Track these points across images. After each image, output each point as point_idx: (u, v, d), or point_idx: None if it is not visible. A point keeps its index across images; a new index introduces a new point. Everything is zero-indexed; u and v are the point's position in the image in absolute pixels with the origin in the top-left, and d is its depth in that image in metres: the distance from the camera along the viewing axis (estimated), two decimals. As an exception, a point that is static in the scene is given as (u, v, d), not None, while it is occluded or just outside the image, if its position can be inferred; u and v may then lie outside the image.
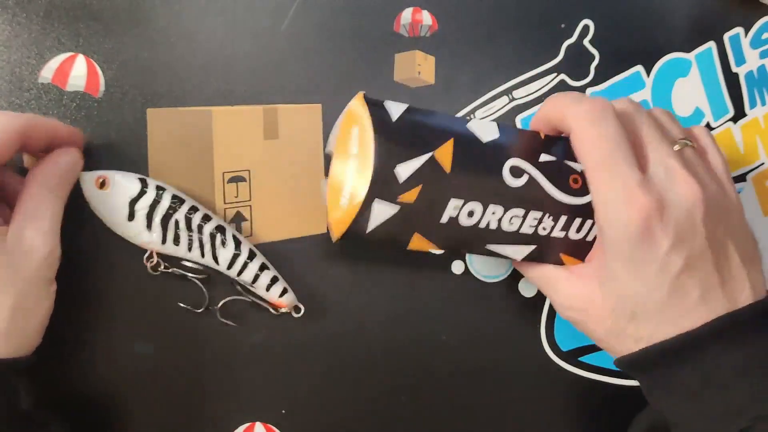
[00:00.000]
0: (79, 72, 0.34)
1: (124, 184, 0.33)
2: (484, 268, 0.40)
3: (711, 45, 0.43)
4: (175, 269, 0.35)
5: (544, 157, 0.31)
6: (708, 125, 0.43)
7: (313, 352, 0.38)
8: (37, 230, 0.30)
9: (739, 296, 0.30)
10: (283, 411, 0.38)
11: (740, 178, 0.44)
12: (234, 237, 0.35)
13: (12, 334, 0.29)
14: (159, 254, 0.34)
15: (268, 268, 0.35)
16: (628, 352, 0.31)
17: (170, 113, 0.36)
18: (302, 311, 0.37)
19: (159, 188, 0.33)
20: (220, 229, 0.34)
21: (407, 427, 0.40)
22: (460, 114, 0.40)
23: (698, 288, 0.30)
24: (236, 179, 0.37)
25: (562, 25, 0.41)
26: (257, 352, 0.37)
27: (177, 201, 0.33)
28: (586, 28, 0.42)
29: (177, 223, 0.33)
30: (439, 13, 0.39)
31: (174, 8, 0.36)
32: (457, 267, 0.40)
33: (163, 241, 0.34)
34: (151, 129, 0.35)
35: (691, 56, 0.43)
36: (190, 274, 0.35)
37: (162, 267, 0.35)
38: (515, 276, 0.41)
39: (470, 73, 0.40)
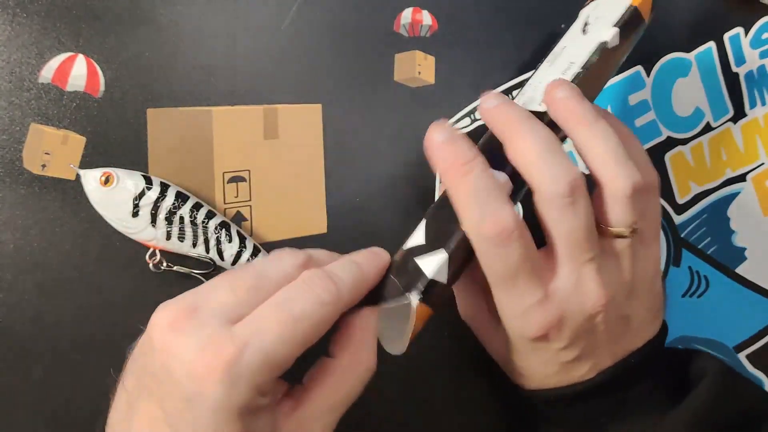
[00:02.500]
0: (79, 72, 0.34)
1: (128, 180, 0.33)
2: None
3: (711, 45, 0.43)
4: (178, 267, 0.35)
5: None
6: (708, 125, 0.43)
7: (312, 352, 0.38)
8: (323, 426, 0.26)
9: (632, 346, 0.32)
10: (283, 411, 0.38)
11: (740, 178, 0.44)
12: (238, 233, 0.35)
13: None
14: (162, 252, 0.34)
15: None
16: (521, 384, 0.33)
17: (170, 113, 0.36)
18: None
19: (163, 185, 0.34)
20: (224, 225, 0.34)
21: (407, 426, 0.40)
22: (460, 114, 0.40)
23: (589, 365, 0.31)
24: (236, 179, 0.37)
25: (563, 25, 0.41)
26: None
27: (181, 198, 0.34)
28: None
29: (182, 219, 0.34)
30: (439, 13, 0.39)
31: (175, 8, 0.36)
32: (457, 267, 0.40)
33: (168, 237, 0.34)
34: (151, 129, 0.35)
35: (691, 56, 0.43)
36: (194, 271, 0.35)
37: (164, 265, 0.35)
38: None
39: (470, 73, 0.40)
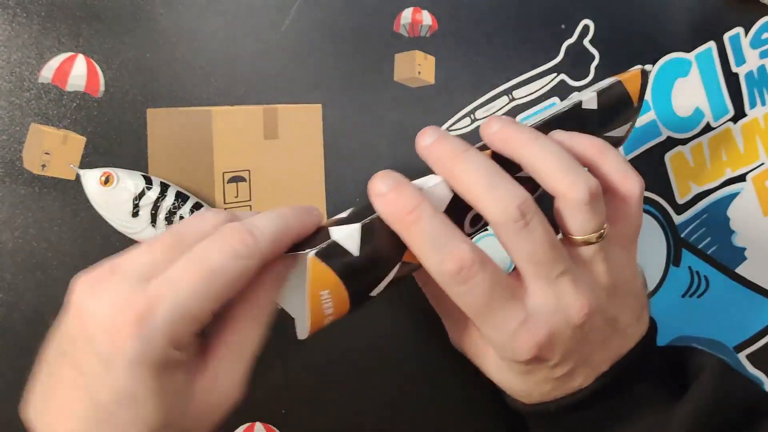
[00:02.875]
0: (79, 72, 0.35)
1: (128, 180, 0.33)
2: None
3: (711, 45, 0.43)
4: None
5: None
6: (708, 125, 0.43)
7: (313, 352, 0.38)
8: (233, 382, 0.26)
9: (623, 349, 0.32)
10: (283, 411, 0.38)
11: (740, 178, 0.44)
12: None
13: None
14: None
15: None
16: (515, 401, 0.33)
17: (170, 113, 0.36)
18: None
19: (163, 185, 0.34)
20: None
21: (408, 426, 0.40)
22: (460, 114, 0.40)
23: (584, 374, 0.31)
24: (236, 179, 0.37)
25: (562, 25, 0.41)
26: (257, 351, 0.37)
27: (181, 198, 0.34)
28: (586, 28, 0.42)
29: (182, 218, 0.34)
30: (439, 13, 0.39)
31: (174, 8, 0.36)
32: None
33: None
34: (151, 129, 0.35)
35: (691, 56, 0.43)
36: None
37: None
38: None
39: (470, 73, 0.40)
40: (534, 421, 0.34)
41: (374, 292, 0.28)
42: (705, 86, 0.43)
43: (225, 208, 0.36)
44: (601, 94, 0.32)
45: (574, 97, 0.33)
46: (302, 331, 0.29)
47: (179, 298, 0.23)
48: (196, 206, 0.34)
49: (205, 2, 0.36)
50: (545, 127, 0.31)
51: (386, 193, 0.27)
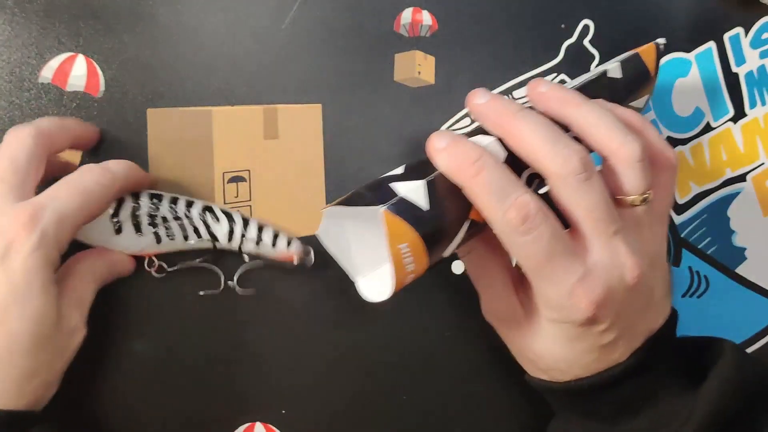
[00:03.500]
0: (79, 72, 0.35)
1: None
2: (484, 268, 0.40)
3: (711, 45, 0.43)
4: (181, 264, 0.35)
5: None
6: (708, 125, 0.43)
7: (313, 351, 0.38)
8: (81, 317, 0.32)
9: (655, 325, 0.32)
10: (283, 411, 0.38)
11: (740, 178, 0.44)
12: (223, 211, 0.35)
13: (38, 400, 0.31)
14: (159, 255, 0.34)
15: (266, 227, 0.35)
16: (547, 379, 0.33)
17: (170, 113, 0.36)
18: (312, 254, 0.36)
19: (133, 195, 0.33)
20: (207, 208, 0.34)
21: (408, 425, 0.40)
22: (460, 114, 0.40)
23: (624, 346, 0.31)
24: (236, 179, 0.37)
25: (562, 25, 0.41)
26: (257, 351, 0.37)
27: (156, 198, 0.33)
28: (586, 28, 0.42)
29: (164, 218, 0.33)
30: (439, 13, 0.39)
31: (174, 8, 0.36)
32: (457, 267, 0.40)
33: (158, 240, 0.34)
34: (151, 129, 0.35)
35: (691, 56, 0.43)
36: (197, 262, 0.35)
37: (167, 267, 0.35)
38: (515, 276, 0.41)
39: (470, 73, 0.40)
40: (563, 400, 0.33)
41: (447, 252, 0.28)
42: (705, 86, 0.43)
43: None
44: (624, 63, 0.34)
45: (598, 68, 0.34)
46: (382, 291, 0.29)
47: (60, 206, 0.29)
48: (173, 201, 0.34)
49: (205, 2, 0.36)
50: None
51: (446, 147, 0.28)
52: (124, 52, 0.35)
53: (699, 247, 0.44)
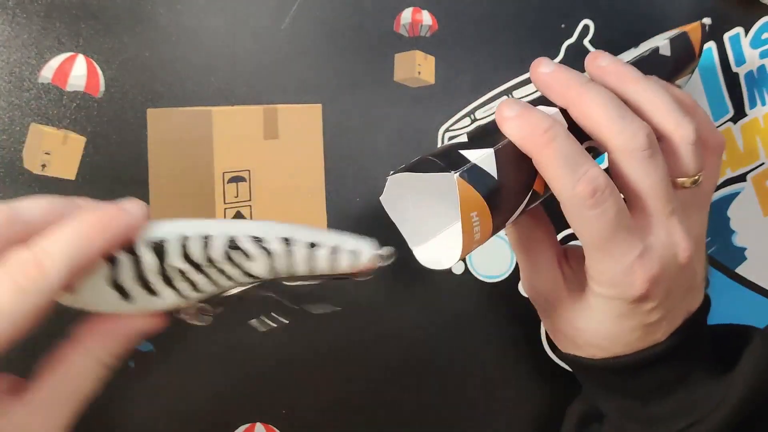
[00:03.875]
0: (79, 72, 0.35)
1: (89, 274, 0.24)
2: (484, 269, 0.40)
3: (711, 45, 0.43)
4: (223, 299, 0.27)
5: None
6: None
7: (313, 351, 0.38)
8: (51, 424, 0.24)
9: (693, 307, 0.32)
10: (283, 411, 0.38)
11: (740, 178, 0.44)
12: (255, 238, 0.25)
13: None
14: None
15: (316, 244, 0.26)
16: (583, 356, 0.32)
17: (170, 113, 0.36)
18: (393, 253, 0.28)
19: (127, 249, 0.24)
20: (231, 245, 0.25)
21: (408, 426, 0.40)
22: (460, 114, 0.40)
23: (666, 327, 0.31)
24: (236, 179, 0.37)
25: (562, 25, 0.41)
26: (257, 352, 0.37)
27: (159, 246, 0.24)
28: (586, 28, 0.42)
29: (181, 271, 0.25)
30: (439, 13, 0.39)
31: (174, 8, 0.36)
32: (457, 267, 0.40)
33: (181, 296, 0.26)
34: (151, 129, 0.35)
35: (691, 56, 0.43)
36: (240, 289, 0.27)
37: (211, 309, 0.27)
38: (515, 276, 0.41)
39: (470, 73, 0.40)
40: (597, 377, 0.33)
41: (508, 222, 0.28)
42: (705, 86, 0.43)
43: (225, 209, 0.36)
44: (673, 41, 0.34)
45: (648, 44, 0.34)
46: (449, 257, 0.28)
47: None
48: (183, 245, 0.25)
49: (204, 2, 0.36)
50: None
51: (517, 115, 0.27)
52: (124, 52, 0.35)
53: (699, 247, 0.44)
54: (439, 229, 0.29)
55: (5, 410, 0.23)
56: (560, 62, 0.41)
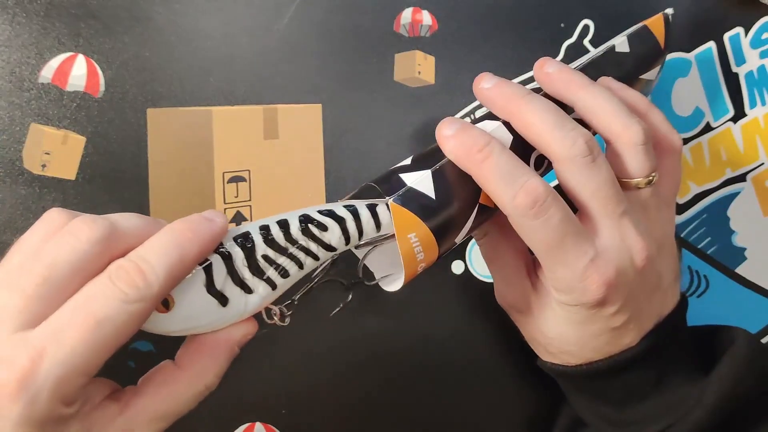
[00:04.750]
0: (79, 72, 0.35)
1: (186, 284, 0.24)
2: (483, 268, 0.40)
3: (711, 45, 0.43)
4: (301, 293, 0.29)
5: None
6: (708, 125, 0.43)
7: (313, 351, 0.38)
8: None
9: (664, 310, 0.32)
10: (283, 411, 0.38)
11: (740, 178, 0.44)
12: (322, 212, 0.27)
13: None
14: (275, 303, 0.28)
15: (374, 204, 0.28)
16: (558, 363, 0.33)
17: (170, 113, 0.36)
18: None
19: (219, 247, 0.25)
20: (304, 220, 0.27)
21: (408, 426, 0.40)
22: (460, 114, 0.40)
23: (635, 330, 0.31)
24: (236, 179, 0.37)
25: (562, 25, 0.41)
26: (258, 351, 0.37)
27: (244, 240, 0.26)
28: (586, 28, 0.42)
29: (266, 257, 0.26)
30: (439, 13, 0.39)
31: (174, 8, 0.36)
32: (457, 267, 0.40)
33: (273, 286, 0.26)
34: (151, 129, 0.35)
35: (691, 56, 0.43)
36: (316, 280, 0.29)
37: (287, 312, 0.28)
38: (515, 276, 0.41)
39: (470, 73, 0.40)
40: (574, 383, 0.34)
41: (458, 238, 0.29)
42: (705, 86, 0.43)
43: (225, 209, 0.36)
44: (631, 37, 0.34)
45: (606, 44, 0.35)
46: (397, 282, 0.29)
47: (65, 353, 0.21)
48: (265, 235, 0.26)
49: (204, 2, 0.36)
50: (584, 71, 0.32)
51: (456, 133, 0.28)
52: (124, 52, 0.35)
53: (699, 247, 0.44)
54: (392, 253, 0.29)
55: (109, 419, 0.24)
56: (560, 62, 0.41)
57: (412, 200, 0.27)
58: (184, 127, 0.36)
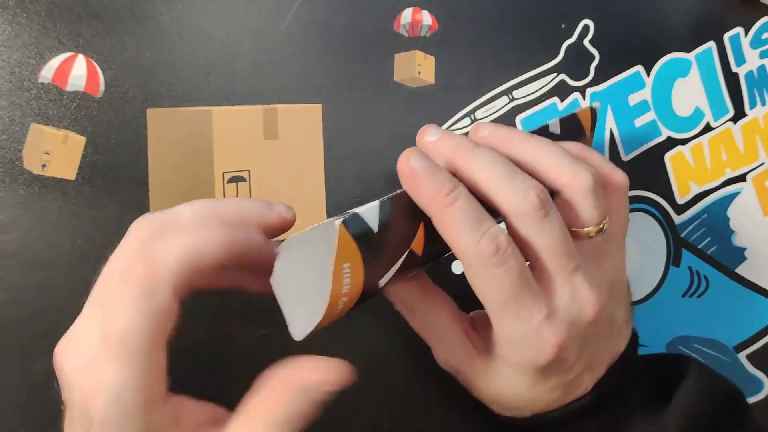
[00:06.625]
0: (79, 72, 0.35)
1: None
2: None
3: (711, 45, 0.43)
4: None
5: None
6: (708, 125, 0.43)
7: (312, 352, 0.38)
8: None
9: (617, 349, 0.32)
10: (283, 411, 0.38)
11: (740, 178, 0.44)
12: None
13: None
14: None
15: None
16: (513, 416, 0.32)
17: (170, 113, 0.36)
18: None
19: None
20: None
21: (407, 425, 0.40)
22: (460, 114, 0.40)
23: (589, 379, 0.30)
24: (236, 179, 0.37)
25: (562, 25, 0.41)
26: (257, 351, 0.37)
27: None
28: (586, 28, 0.42)
29: None
30: (439, 13, 0.39)
31: (174, 8, 0.36)
32: (457, 267, 0.40)
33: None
34: (151, 129, 0.35)
35: (691, 56, 0.43)
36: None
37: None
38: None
39: (470, 73, 0.40)
40: None
41: (382, 282, 0.27)
42: (705, 86, 0.43)
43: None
44: (562, 121, 0.34)
45: (542, 123, 0.35)
46: (311, 319, 0.27)
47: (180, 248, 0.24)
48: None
49: (205, 2, 0.36)
50: None
51: (422, 172, 0.26)
52: (124, 52, 0.35)
53: (699, 247, 0.44)
54: (312, 296, 0.26)
55: None
56: (560, 62, 0.41)
57: (356, 226, 0.25)
58: (184, 127, 0.36)
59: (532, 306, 0.27)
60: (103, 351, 0.23)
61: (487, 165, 0.27)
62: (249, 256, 0.25)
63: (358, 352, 0.39)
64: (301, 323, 0.27)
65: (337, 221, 0.24)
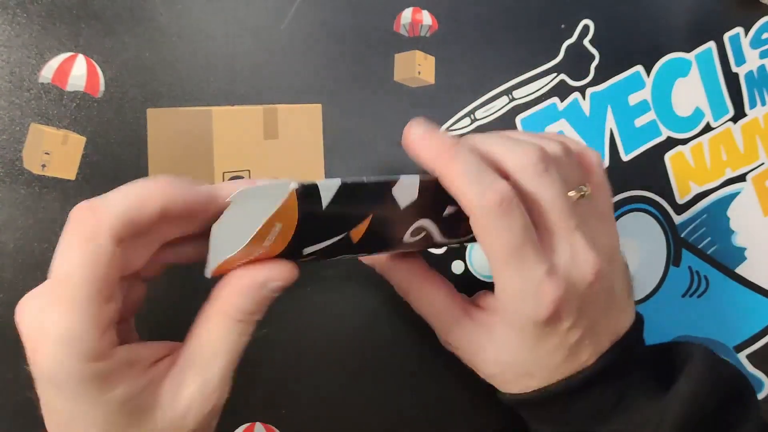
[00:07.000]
0: (79, 72, 0.35)
1: None
2: (484, 268, 0.40)
3: (711, 45, 0.43)
4: None
5: (448, 210, 0.30)
6: (708, 125, 0.43)
7: (313, 351, 0.38)
8: (216, 387, 0.26)
9: (621, 329, 0.32)
10: (283, 411, 0.38)
11: (740, 178, 0.44)
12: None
13: None
14: None
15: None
16: (516, 392, 0.32)
17: (170, 113, 0.36)
18: None
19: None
20: None
21: (408, 426, 0.40)
22: (460, 114, 0.40)
23: (591, 347, 0.31)
24: (236, 179, 0.37)
25: (562, 25, 0.41)
26: (257, 351, 0.37)
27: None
28: (586, 28, 0.42)
29: None
30: (439, 13, 0.39)
31: (174, 8, 0.36)
32: (457, 267, 0.40)
33: None
34: (151, 129, 0.35)
35: (691, 56, 0.43)
36: None
37: None
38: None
39: (470, 73, 0.40)
40: (534, 411, 0.33)
41: (307, 251, 0.27)
42: (705, 86, 0.43)
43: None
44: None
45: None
46: (217, 259, 0.26)
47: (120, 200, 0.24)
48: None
49: (205, 2, 0.36)
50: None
51: (424, 135, 0.28)
52: (124, 52, 0.35)
53: (699, 247, 0.44)
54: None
55: (157, 380, 0.25)
56: (560, 62, 0.41)
57: (308, 197, 0.25)
58: (184, 127, 0.36)
59: (534, 260, 0.28)
60: (47, 301, 0.23)
61: (488, 136, 0.29)
62: (195, 211, 0.25)
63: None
64: (212, 263, 0.27)
65: (293, 185, 0.24)
